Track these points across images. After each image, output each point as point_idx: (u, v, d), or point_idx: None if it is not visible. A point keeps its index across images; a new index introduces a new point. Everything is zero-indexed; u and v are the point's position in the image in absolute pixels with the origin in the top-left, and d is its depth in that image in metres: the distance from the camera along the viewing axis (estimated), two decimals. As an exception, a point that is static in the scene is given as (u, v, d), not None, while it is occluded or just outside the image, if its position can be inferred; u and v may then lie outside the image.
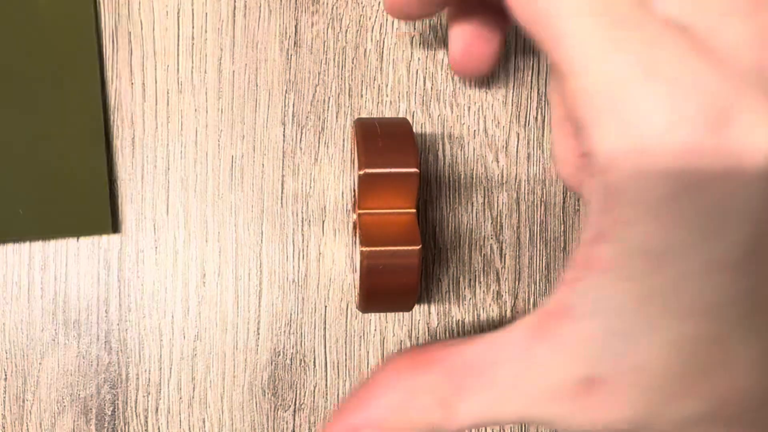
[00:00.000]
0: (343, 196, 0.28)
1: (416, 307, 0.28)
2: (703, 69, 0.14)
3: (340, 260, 0.28)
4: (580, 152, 0.19)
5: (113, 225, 0.28)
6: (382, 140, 0.23)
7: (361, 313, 0.28)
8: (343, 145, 0.28)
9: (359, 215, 0.23)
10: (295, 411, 0.28)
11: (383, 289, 0.22)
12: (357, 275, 0.23)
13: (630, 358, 0.15)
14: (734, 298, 0.14)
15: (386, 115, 0.28)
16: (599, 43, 0.14)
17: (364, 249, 0.22)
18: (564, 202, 0.29)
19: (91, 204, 0.27)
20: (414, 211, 0.23)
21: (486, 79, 0.28)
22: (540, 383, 0.16)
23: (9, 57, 0.26)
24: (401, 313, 0.28)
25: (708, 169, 0.14)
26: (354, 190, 0.24)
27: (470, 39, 0.22)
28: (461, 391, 0.17)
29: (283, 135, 0.28)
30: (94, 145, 0.27)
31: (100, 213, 0.27)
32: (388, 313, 0.28)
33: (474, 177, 0.28)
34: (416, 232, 0.22)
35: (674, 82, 0.14)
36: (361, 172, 0.22)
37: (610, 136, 0.14)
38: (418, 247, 0.22)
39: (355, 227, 0.24)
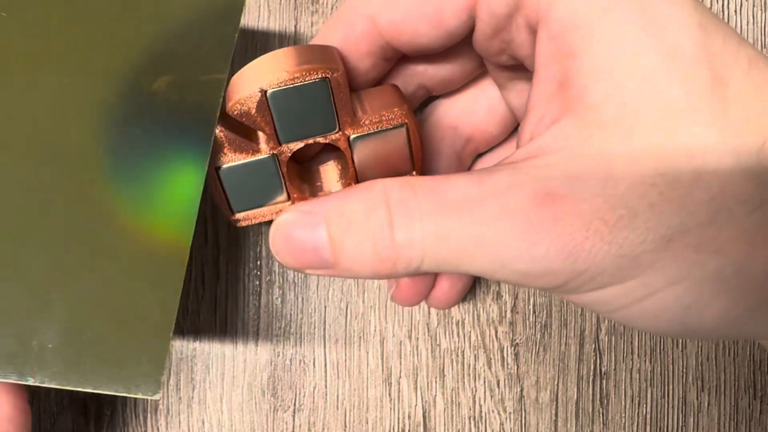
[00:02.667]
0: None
1: (416, 307, 0.28)
2: None
3: (339, 260, 0.28)
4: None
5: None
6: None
7: (361, 313, 0.28)
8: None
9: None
10: (294, 411, 0.28)
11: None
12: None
13: (592, 179, 0.16)
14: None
15: None
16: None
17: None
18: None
19: (141, 357, 0.19)
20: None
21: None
22: (493, 202, 0.17)
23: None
24: (401, 313, 0.28)
25: None
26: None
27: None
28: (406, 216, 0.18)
29: (283, 135, 0.28)
30: (171, 284, 0.19)
31: (149, 369, 0.19)
32: (387, 314, 0.28)
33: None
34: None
35: None
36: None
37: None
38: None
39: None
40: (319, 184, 0.22)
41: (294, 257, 0.19)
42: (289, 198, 0.22)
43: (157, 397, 0.19)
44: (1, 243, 0.19)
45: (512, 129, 0.25)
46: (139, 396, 0.19)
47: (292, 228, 0.19)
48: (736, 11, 0.29)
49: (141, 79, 0.20)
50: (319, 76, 0.19)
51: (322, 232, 0.18)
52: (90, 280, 0.19)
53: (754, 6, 0.29)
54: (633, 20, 0.16)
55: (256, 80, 0.19)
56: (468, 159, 0.25)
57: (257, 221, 0.22)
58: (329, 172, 0.22)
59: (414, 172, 0.21)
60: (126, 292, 0.19)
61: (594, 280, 0.16)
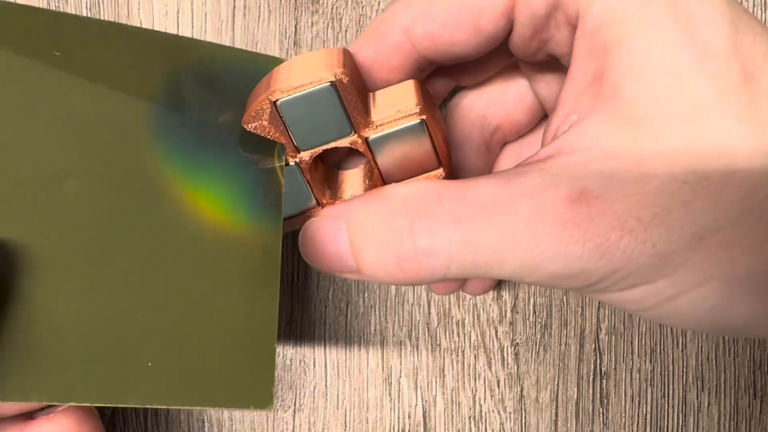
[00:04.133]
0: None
1: (416, 307, 0.28)
2: None
3: (340, 260, 0.28)
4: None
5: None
6: None
7: (361, 313, 0.28)
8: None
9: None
10: (294, 411, 0.28)
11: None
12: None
13: (623, 176, 0.16)
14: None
15: None
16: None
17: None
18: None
19: (248, 367, 0.18)
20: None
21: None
22: (526, 203, 0.16)
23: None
24: (401, 313, 0.28)
25: None
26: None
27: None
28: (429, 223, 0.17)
29: (283, 135, 0.28)
30: (267, 293, 0.19)
31: (258, 381, 0.18)
32: (387, 314, 0.28)
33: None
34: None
35: None
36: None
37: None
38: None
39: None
40: (345, 187, 0.22)
41: (321, 263, 0.19)
42: (318, 203, 0.22)
43: (269, 409, 0.18)
44: (86, 269, 0.18)
45: (541, 118, 0.24)
46: (251, 409, 0.18)
47: (317, 234, 0.19)
48: (736, 11, 0.29)
49: (212, 108, 0.21)
50: (325, 81, 0.19)
51: (344, 239, 0.18)
52: (184, 296, 0.19)
53: (754, 6, 0.29)
54: (665, 17, 0.16)
55: (266, 92, 0.19)
56: (496, 147, 0.24)
57: (291, 229, 0.22)
58: (356, 174, 0.22)
59: (441, 168, 0.21)
60: (222, 305, 0.19)
61: (626, 279, 0.16)
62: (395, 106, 0.19)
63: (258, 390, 0.18)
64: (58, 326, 0.18)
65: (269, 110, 0.19)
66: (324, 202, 0.22)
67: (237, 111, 0.21)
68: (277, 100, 0.19)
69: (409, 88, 0.20)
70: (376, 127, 0.20)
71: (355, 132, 0.20)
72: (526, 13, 0.19)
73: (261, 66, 0.22)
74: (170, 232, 0.19)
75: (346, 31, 0.28)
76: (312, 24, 0.28)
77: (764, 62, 0.16)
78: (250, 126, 0.20)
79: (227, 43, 0.28)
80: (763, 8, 0.29)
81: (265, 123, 0.19)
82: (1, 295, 0.17)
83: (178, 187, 0.20)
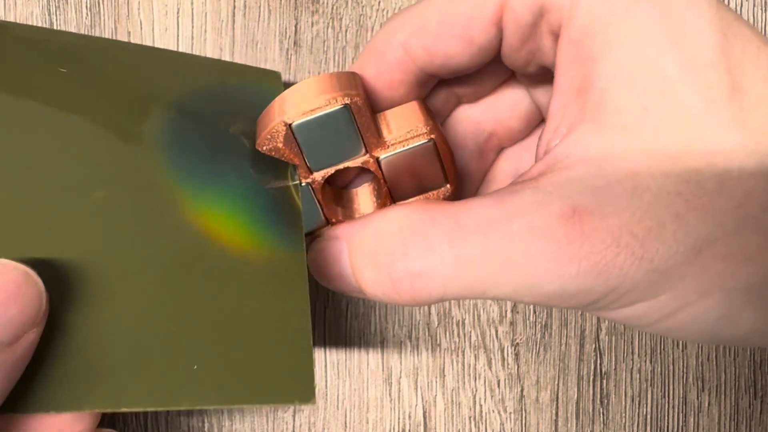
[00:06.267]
0: (343, 196, 0.28)
1: (416, 307, 0.28)
2: None
3: (340, 260, 0.28)
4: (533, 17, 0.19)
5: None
6: None
7: (361, 313, 0.28)
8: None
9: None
10: (294, 411, 0.28)
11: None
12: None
13: (615, 191, 0.16)
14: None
15: None
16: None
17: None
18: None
19: (289, 364, 0.19)
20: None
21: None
22: (519, 222, 0.16)
23: None
24: (401, 313, 0.28)
25: None
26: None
27: None
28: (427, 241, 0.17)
29: (283, 135, 0.28)
30: (297, 290, 0.20)
31: (300, 376, 0.19)
32: (387, 314, 0.28)
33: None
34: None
35: None
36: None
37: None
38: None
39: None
40: (355, 206, 0.22)
41: (328, 282, 0.20)
42: (328, 223, 0.22)
43: (313, 403, 0.18)
44: (125, 279, 0.19)
45: (536, 124, 0.25)
46: (296, 404, 0.18)
47: (321, 255, 0.19)
48: (735, 11, 0.29)
49: (219, 124, 0.21)
50: (340, 104, 0.19)
51: (346, 260, 0.19)
52: (220, 303, 0.19)
53: (754, 6, 0.29)
54: (653, 24, 0.16)
55: (280, 115, 0.19)
56: (491, 153, 0.24)
57: None
58: (365, 193, 0.23)
59: (448, 185, 0.21)
60: (257, 310, 0.19)
61: (625, 296, 0.16)
62: (405, 127, 0.20)
63: (301, 385, 0.18)
64: (105, 336, 0.18)
65: (284, 132, 0.19)
66: (334, 221, 0.22)
67: (244, 131, 0.21)
68: (293, 122, 0.19)
69: (414, 109, 0.21)
70: (388, 147, 0.20)
71: (368, 152, 0.20)
72: (513, 21, 0.19)
73: (262, 83, 0.22)
74: (199, 246, 0.20)
75: (346, 31, 0.28)
76: (312, 24, 0.28)
77: (753, 70, 0.16)
78: (264, 148, 0.20)
79: (227, 42, 0.28)
80: (764, 8, 0.29)
81: (279, 145, 0.20)
82: (49, 310, 0.17)
83: (195, 205, 0.20)
